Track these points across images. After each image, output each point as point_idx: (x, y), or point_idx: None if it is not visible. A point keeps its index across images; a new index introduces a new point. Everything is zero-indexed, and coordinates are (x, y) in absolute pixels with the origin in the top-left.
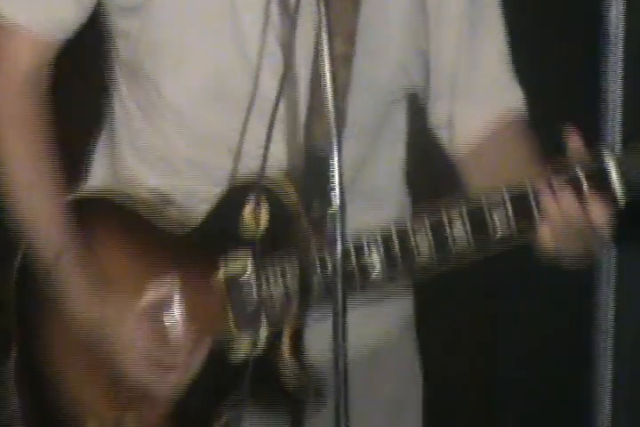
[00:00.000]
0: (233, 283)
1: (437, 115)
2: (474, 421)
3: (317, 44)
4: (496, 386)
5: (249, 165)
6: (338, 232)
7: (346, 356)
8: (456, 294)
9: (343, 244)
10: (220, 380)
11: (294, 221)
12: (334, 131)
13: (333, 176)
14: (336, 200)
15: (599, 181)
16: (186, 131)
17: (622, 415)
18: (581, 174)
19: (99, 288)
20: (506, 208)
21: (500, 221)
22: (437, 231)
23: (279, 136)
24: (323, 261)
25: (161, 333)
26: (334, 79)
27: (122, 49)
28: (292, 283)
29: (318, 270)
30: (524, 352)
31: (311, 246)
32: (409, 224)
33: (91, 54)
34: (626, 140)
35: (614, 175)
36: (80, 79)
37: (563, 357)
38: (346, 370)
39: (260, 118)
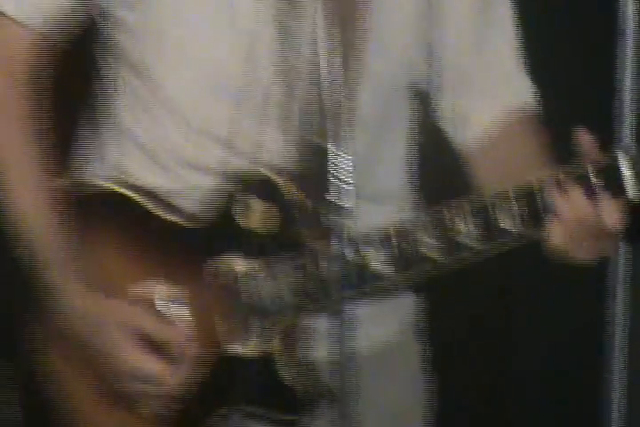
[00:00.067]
0: (233, 281)
1: (443, 107)
2: (487, 421)
3: (320, 36)
4: (509, 385)
5: (250, 162)
6: (344, 232)
7: (353, 356)
8: (469, 293)
9: (350, 244)
10: (219, 380)
11: (298, 219)
12: (341, 128)
13: (341, 174)
14: (344, 200)
15: (612, 180)
16: (184, 124)
17: (636, 415)
18: (593, 173)
19: (92, 282)
20: (514, 206)
21: (509, 221)
22: (445, 231)
23: (281, 132)
24: (328, 260)
25: (157, 330)
26: (339, 72)
27: (120, 41)
28: (295, 283)
29: (322, 270)
30: (537, 352)
31: (316, 246)
32: (416, 224)
33: (87, 47)
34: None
35: (627, 175)
36: (79, 76)
37: (577, 356)
38: (352, 371)
39: (259, 112)
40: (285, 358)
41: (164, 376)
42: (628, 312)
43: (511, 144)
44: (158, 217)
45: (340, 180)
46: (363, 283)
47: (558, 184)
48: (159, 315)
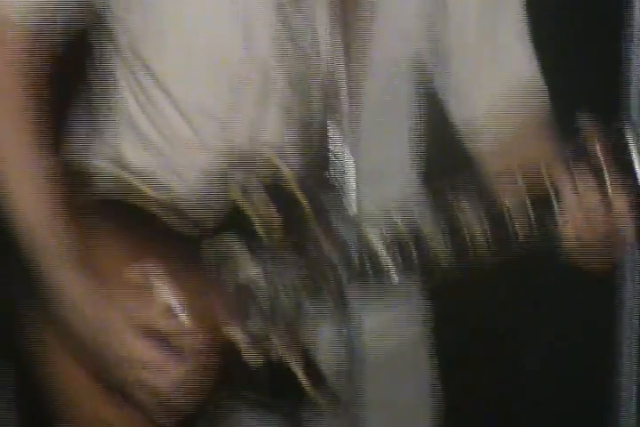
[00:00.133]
0: (238, 282)
1: (445, 82)
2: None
3: (322, 20)
4: (518, 388)
5: (254, 157)
6: (354, 234)
7: (361, 359)
8: (478, 296)
9: (357, 245)
10: (224, 381)
11: (303, 218)
12: (342, 107)
13: (342, 154)
14: (345, 179)
15: (624, 172)
16: (182, 105)
17: None
18: (604, 165)
19: (90, 270)
20: (530, 211)
21: (520, 219)
22: (454, 232)
23: (281, 112)
24: (334, 261)
25: (160, 322)
26: (341, 51)
27: (121, 36)
28: (302, 284)
29: (330, 272)
30: (546, 354)
31: (322, 246)
32: (424, 225)
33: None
34: None
35: (635, 151)
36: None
37: (587, 359)
38: (361, 373)
39: (258, 92)
40: (291, 356)
41: (166, 365)
42: (639, 314)
43: (520, 130)
44: (157, 204)
45: (340, 159)
46: (364, 264)
47: (567, 177)
48: (160, 306)
